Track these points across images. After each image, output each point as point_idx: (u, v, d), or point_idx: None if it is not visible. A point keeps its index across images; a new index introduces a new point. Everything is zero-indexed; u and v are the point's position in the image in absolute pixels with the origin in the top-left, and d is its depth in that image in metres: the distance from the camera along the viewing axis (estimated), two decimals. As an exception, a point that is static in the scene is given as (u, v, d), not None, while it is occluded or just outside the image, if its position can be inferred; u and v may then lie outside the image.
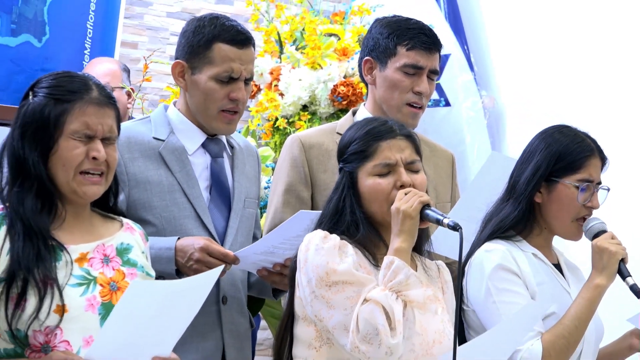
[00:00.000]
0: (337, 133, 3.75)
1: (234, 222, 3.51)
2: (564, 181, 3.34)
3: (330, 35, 5.61)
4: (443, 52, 3.94)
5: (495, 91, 5.89)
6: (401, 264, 2.91)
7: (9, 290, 2.71)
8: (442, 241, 3.30)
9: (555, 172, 3.35)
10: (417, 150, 3.11)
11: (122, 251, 2.90)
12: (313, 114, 5.44)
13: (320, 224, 3.07)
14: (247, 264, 3.39)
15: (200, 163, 3.53)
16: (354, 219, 3.03)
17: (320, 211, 3.27)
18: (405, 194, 2.98)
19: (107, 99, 2.87)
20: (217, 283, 3.35)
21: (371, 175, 3.05)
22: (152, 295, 2.65)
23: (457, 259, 3.60)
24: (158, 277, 3.01)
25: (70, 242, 2.81)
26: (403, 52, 3.78)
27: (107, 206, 2.95)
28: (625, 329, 3.53)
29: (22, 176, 2.81)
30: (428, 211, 2.97)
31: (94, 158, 2.81)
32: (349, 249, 2.98)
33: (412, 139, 3.11)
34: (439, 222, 2.96)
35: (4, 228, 2.77)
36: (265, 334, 5.55)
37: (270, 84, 5.53)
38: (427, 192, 3.08)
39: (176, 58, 3.54)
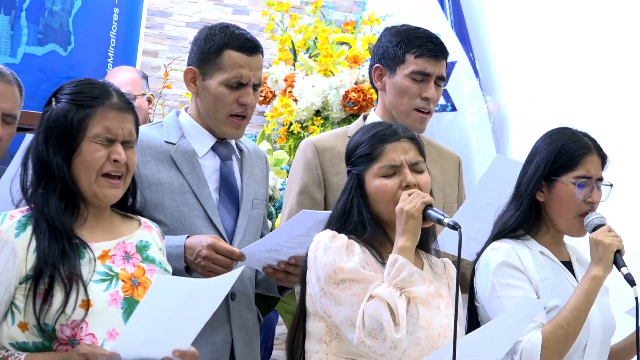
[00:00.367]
0: (349, 137, 3.75)
1: (242, 222, 3.52)
2: (562, 179, 3.34)
3: (342, 43, 5.62)
4: (449, 59, 3.94)
5: (499, 97, 5.88)
6: (404, 262, 2.92)
7: (36, 287, 2.72)
8: (449, 240, 3.30)
9: (554, 170, 3.35)
10: (421, 152, 3.11)
11: (141, 248, 2.91)
12: (325, 118, 5.45)
13: (329, 224, 3.07)
14: (253, 262, 3.39)
15: (210, 165, 3.53)
16: (361, 219, 3.04)
17: (322, 211, 3.31)
18: (409, 195, 2.98)
19: (126, 104, 2.88)
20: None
21: (377, 177, 3.05)
22: (175, 292, 2.66)
23: (463, 257, 3.63)
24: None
25: (92, 240, 2.83)
26: (411, 60, 3.78)
27: (126, 206, 2.96)
28: (625, 323, 3.51)
29: (46, 178, 2.82)
30: (430, 211, 2.97)
31: (115, 160, 2.82)
32: (356, 247, 2.99)
33: (415, 141, 3.11)
34: (439, 222, 2.96)
35: (29, 228, 2.78)
36: (281, 329, 5.56)
37: (285, 90, 5.54)
38: (431, 192, 3.09)
39: (188, 65, 3.56)
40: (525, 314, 3.02)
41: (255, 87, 3.52)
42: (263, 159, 3.73)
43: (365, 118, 3.89)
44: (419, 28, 3.87)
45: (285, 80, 5.54)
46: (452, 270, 3.17)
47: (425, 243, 3.11)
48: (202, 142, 3.54)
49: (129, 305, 2.76)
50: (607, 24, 5.43)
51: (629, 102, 5.29)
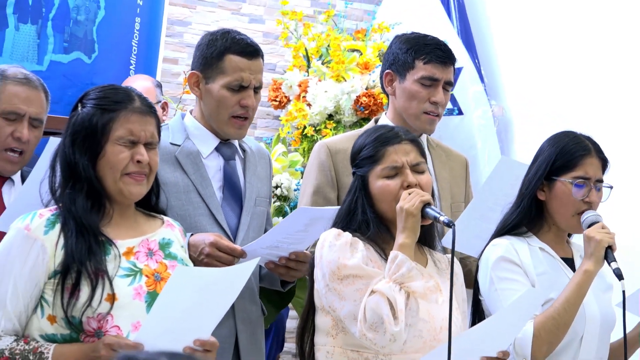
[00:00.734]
0: (361, 139, 3.77)
1: (246, 219, 3.53)
2: (562, 179, 3.35)
3: (353, 50, 5.62)
4: (456, 65, 3.95)
5: (503, 101, 5.88)
6: (404, 258, 2.93)
7: (64, 282, 2.75)
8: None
9: (554, 170, 3.36)
10: (422, 153, 3.13)
11: (164, 245, 2.92)
12: (338, 122, 5.46)
13: (335, 223, 3.09)
14: (255, 258, 3.41)
15: (214, 165, 3.55)
16: (365, 218, 3.06)
17: (319, 208, 3.34)
18: (409, 194, 3.00)
19: (148, 108, 2.91)
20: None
21: (380, 178, 3.07)
22: (194, 282, 2.67)
23: (469, 254, 3.65)
24: None
25: (117, 238, 2.84)
26: (421, 66, 3.79)
27: (149, 205, 2.98)
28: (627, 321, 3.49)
29: (73, 179, 2.84)
30: (428, 209, 2.99)
31: (138, 161, 2.84)
32: (360, 245, 3.00)
33: (416, 143, 3.13)
34: (436, 220, 2.98)
35: (58, 226, 2.80)
36: (293, 322, 5.56)
37: (299, 95, 5.55)
38: (432, 191, 3.12)
39: (191, 69, 3.56)
40: (526, 308, 3.02)
41: (256, 89, 3.53)
42: (266, 158, 3.73)
43: (376, 122, 3.90)
44: (428, 35, 3.88)
45: (299, 85, 5.55)
46: (457, 266, 3.18)
47: (430, 240, 3.14)
48: (206, 143, 3.55)
49: (152, 299, 2.78)
50: (609, 29, 5.41)
51: (631, 106, 5.28)
